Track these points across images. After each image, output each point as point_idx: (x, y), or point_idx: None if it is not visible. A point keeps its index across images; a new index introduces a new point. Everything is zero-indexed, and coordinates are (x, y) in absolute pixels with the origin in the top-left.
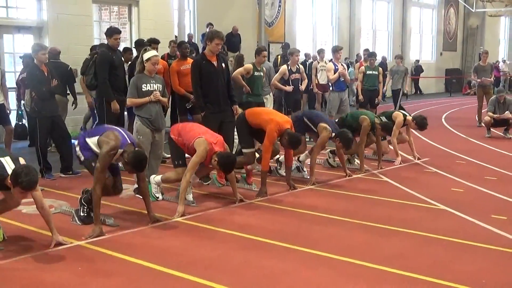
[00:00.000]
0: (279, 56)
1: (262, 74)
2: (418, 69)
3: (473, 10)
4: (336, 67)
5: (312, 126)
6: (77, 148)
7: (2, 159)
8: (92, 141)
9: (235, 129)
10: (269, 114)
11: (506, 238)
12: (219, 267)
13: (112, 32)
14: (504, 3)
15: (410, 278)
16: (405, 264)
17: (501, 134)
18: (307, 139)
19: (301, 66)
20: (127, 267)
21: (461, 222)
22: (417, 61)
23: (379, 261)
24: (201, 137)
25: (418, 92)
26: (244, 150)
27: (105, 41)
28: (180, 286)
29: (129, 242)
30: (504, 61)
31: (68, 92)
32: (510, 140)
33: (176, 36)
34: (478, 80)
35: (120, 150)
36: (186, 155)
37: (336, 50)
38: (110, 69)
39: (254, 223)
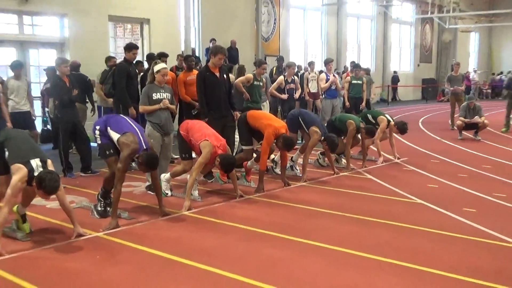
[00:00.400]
0: (274, 68)
1: (261, 84)
2: (395, 79)
3: (447, 27)
4: (328, 77)
5: (304, 126)
6: (97, 133)
7: (32, 161)
8: (113, 134)
9: (237, 128)
10: (268, 119)
11: (475, 228)
12: (222, 255)
13: (131, 48)
14: (474, 20)
15: (394, 264)
16: (388, 252)
17: (472, 136)
18: (298, 141)
19: (295, 78)
20: (140, 256)
21: (436, 214)
22: (395, 72)
23: (365, 249)
24: (207, 140)
25: (396, 99)
26: (244, 147)
27: (113, 55)
28: (187, 272)
29: (142, 233)
30: (475, 71)
31: (87, 100)
32: (479, 142)
33: (182, 51)
34: (451, 88)
35: (137, 155)
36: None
37: (327, 62)
38: (126, 79)
39: (253, 216)
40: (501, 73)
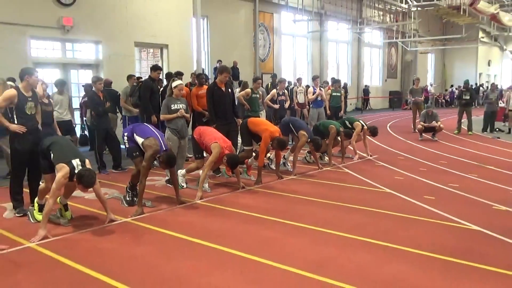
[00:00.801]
0: (269, 83)
1: (258, 96)
2: (366, 91)
3: (408, 49)
4: (315, 90)
5: (294, 131)
6: (125, 139)
7: (73, 161)
8: (138, 139)
9: (239, 132)
10: (265, 125)
11: (434, 212)
12: (228, 236)
13: (157, 68)
14: (430, 44)
15: (367, 242)
16: (363, 232)
17: (430, 137)
18: (290, 142)
19: (285, 91)
20: (161, 237)
21: (402, 201)
22: (367, 85)
23: (344, 230)
24: (216, 142)
25: (368, 108)
26: (245, 148)
27: (139, 74)
28: (200, 249)
29: (163, 219)
30: (432, 85)
31: (117, 111)
32: (436, 142)
33: (195, 70)
34: (413, 99)
35: (158, 155)
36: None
37: (314, 78)
38: (150, 94)
39: (253, 204)
40: (452, 86)
